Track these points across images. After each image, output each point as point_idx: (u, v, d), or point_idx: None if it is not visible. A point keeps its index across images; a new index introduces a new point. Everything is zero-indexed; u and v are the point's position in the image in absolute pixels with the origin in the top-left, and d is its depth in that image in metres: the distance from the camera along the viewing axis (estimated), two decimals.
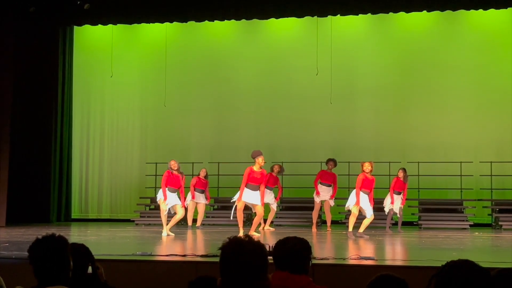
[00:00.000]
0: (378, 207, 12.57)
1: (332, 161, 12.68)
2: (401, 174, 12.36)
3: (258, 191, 10.65)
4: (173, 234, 11.19)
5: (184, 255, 7.43)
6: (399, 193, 12.37)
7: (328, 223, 12.81)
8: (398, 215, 12.42)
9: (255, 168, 10.59)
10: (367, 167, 10.79)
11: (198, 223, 13.30)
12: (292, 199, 14.76)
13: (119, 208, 16.01)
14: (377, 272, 2.82)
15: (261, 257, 2.31)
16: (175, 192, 11.33)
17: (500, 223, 13.23)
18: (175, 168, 11.29)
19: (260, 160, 10.53)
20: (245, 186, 10.59)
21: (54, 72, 15.10)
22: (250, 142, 15.12)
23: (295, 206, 14.50)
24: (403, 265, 6.86)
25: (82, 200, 16.11)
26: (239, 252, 2.28)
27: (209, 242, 10.27)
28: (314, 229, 12.49)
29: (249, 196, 10.63)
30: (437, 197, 14.37)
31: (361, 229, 10.95)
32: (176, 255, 7.57)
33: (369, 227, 11.28)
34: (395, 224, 12.69)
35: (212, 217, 14.24)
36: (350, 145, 14.77)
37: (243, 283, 2.26)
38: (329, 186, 12.63)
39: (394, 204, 12.29)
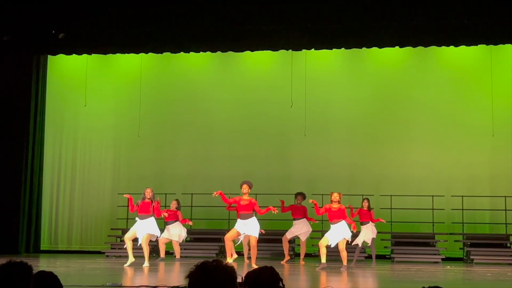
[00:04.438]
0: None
1: (300, 195, 12.82)
2: (365, 204, 12.43)
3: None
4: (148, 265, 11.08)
5: (155, 287, 7.32)
6: (366, 223, 12.39)
7: (302, 256, 12.76)
8: (369, 245, 12.42)
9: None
10: (335, 197, 10.95)
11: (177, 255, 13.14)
12: (267, 231, 14.60)
13: (89, 239, 15.74)
14: None
15: (230, 282, 2.27)
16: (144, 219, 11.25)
17: (471, 257, 13.31)
18: (148, 197, 11.27)
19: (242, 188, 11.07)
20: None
21: (27, 101, 14.95)
22: (224, 174, 15.12)
23: (270, 239, 14.35)
24: None
25: (52, 231, 15.81)
26: (207, 279, 2.23)
27: (181, 273, 10.14)
28: (284, 261, 12.52)
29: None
30: (409, 231, 14.41)
31: (323, 259, 10.89)
32: (147, 286, 7.46)
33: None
34: (369, 257, 12.68)
35: (184, 249, 14.04)
36: (324, 178, 14.80)
37: None
38: (301, 219, 12.64)
39: (360, 235, 12.29)
